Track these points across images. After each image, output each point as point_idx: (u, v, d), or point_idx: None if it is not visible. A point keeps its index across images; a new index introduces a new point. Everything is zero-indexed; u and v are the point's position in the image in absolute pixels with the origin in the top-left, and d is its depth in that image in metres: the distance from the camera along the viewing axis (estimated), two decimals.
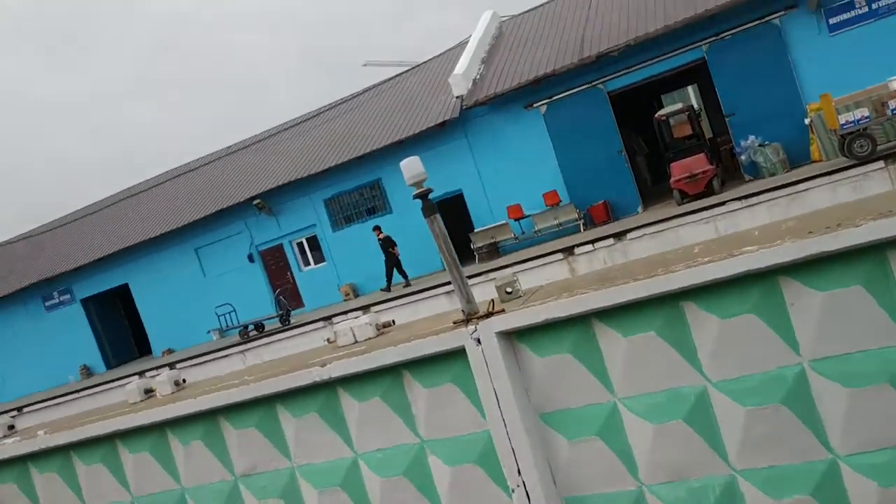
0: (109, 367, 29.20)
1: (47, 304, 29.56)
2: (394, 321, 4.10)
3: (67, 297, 29.22)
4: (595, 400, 3.13)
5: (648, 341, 3.02)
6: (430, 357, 3.37)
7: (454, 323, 3.37)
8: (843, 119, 12.59)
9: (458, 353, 3.31)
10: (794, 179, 13.25)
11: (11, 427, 4.75)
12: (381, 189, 22.05)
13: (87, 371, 29.29)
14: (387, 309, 16.13)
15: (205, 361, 20.23)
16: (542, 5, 23.73)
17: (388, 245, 20.35)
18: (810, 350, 2.82)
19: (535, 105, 18.20)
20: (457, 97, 19.62)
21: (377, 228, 20.87)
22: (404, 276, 20.21)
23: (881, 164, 12.33)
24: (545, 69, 17.63)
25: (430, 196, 3.38)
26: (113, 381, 21.95)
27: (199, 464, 3.93)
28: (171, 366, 17.87)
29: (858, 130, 12.55)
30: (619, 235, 14.59)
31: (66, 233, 32.81)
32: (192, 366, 19.75)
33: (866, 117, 12.49)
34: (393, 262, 20.25)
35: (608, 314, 3.07)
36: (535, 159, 18.46)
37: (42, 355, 30.18)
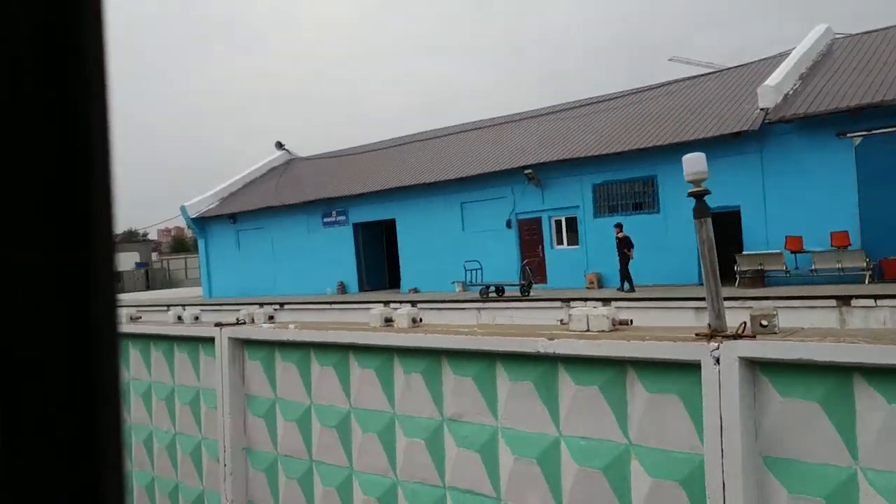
0: (361, 289, 31.75)
1: (325, 220, 32.72)
2: (631, 321, 3.96)
3: (343, 218, 32.11)
4: (833, 461, 2.78)
5: None
6: (661, 362, 3.21)
7: (696, 335, 3.16)
8: None
9: (692, 367, 3.11)
10: None
11: (271, 317, 5.30)
12: (653, 187, 21.37)
13: (343, 288, 32.10)
14: (627, 307, 15.69)
15: (443, 308, 21.18)
16: (888, 28, 21.23)
17: (624, 245, 19.74)
18: None
19: (849, 135, 16.42)
20: (761, 109, 18.28)
21: (618, 226, 20.25)
22: (629, 280, 19.57)
23: None
24: (870, 98, 15.79)
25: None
26: (361, 302, 23.81)
27: (415, 396, 4.13)
28: (413, 304, 18.95)
29: None
30: None
31: (357, 161, 35.82)
32: (430, 309, 20.78)
33: None
34: (625, 263, 19.66)
35: (876, 374, 2.69)
36: (832, 193, 16.72)
37: (310, 264, 33.59)
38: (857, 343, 2.73)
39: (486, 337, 3.82)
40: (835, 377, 2.78)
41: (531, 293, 21.64)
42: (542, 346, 3.53)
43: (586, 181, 23.14)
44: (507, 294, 22.46)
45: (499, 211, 26.35)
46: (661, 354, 3.18)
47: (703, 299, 13.06)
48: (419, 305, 20.39)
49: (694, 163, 3.13)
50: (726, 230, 18.82)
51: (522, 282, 22.04)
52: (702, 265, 3.14)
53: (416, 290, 28.50)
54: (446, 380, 3.99)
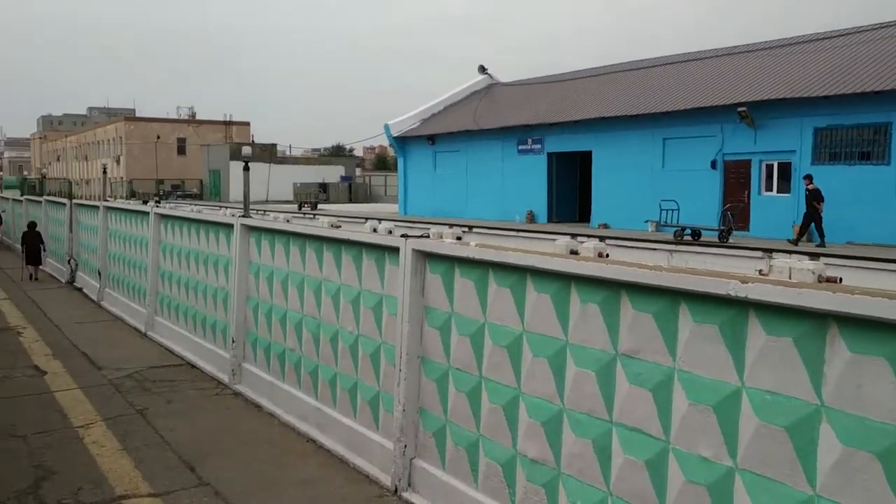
0: (550, 220, 31.63)
1: (520, 147, 32.66)
2: (841, 279, 3.53)
3: (538, 147, 31.87)
4: None
5: None
6: (872, 321, 2.85)
7: None
8: None
9: None
10: None
11: (459, 238, 5.36)
12: (887, 135, 19.14)
13: (532, 217, 32.13)
14: (838, 265, 14.39)
15: (632, 247, 20.60)
16: None
17: (814, 198, 18.33)
18: None
19: None
20: None
21: (808, 178, 18.77)
22: (821, 235, 18.17)
23: None
24: None
25: None
26: (548, 233, 23.72)
27: (589, 326, 4.01)
28: (602, 239, 18.57)
29: None
30: None
31: (557, 89, 35.11)
32: (619, 246, 20.26)
33: None
34: (813, 218, 18.25)
35: None
36: None
37: (501, 191, 33.84)
38: None
39: (671, 273, 3.59)
40: None
41: (730, 240, 20.46)
42: (733, 288, 3.26)
43: (807, 124, 21.19)
44: (703, 239, 21.37)
45: (704, 150, 24.92)
46: (874, 312, 2.82)
47: None
48: (607, 241, 19.94)
49: None
50: None
51: (722, 227, 20.89)
52: None
53: (605, 226, 27.92)
54: (624, 314, 3.83)
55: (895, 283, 13.80)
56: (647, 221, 25.34)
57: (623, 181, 27.79)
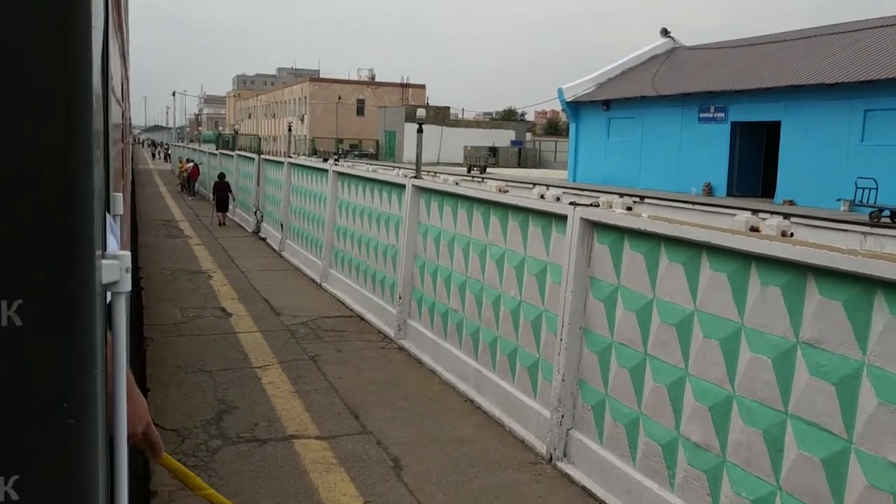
0: (730, 193, 29.96)
1: (702, 115, 31.04)
2: None
3: (721, 115, 30.13)
4: None
5: None
6: None
7: None
8: None
9: None
10: None
11: (629, 208, 5.18)
12: None
13: (710, 190, 30.58)
14: None
15: (820, 227, 19.11)
16: None
17: None
18: None
19: None
20: None
21: None
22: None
23: None
24: None
25: None
26: (727, 207, 22.49)
27: (769, 310, 3.75)
28: (787, 216, 17.36)
29: None
30: None
31: (744, 55, 32.97)
32: (805, 225, 18.88)
33: None
34: None
35: None
36: None
37: (678, 161, 32.41)
38: None
39: (867, 259, 3.27)
40: None
41: None
42: None
43: None
44: None
45: None
46: None
47: None
48: (792, 219, 18.62)
49: None
50: None
51: None
52: None
53: (791, 203, 26.14)
54: (809, 300, 3.54)
55: None
56: (839, 200, 23.37)
57: (814, 155, 25.75)
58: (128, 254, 0.99)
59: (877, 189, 20.74)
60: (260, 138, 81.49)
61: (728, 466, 3.96)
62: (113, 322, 1.01)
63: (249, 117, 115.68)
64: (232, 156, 23.45)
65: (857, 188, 21.18)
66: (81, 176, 0.83)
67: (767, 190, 28.91)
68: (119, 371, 1.00)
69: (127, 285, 0.98)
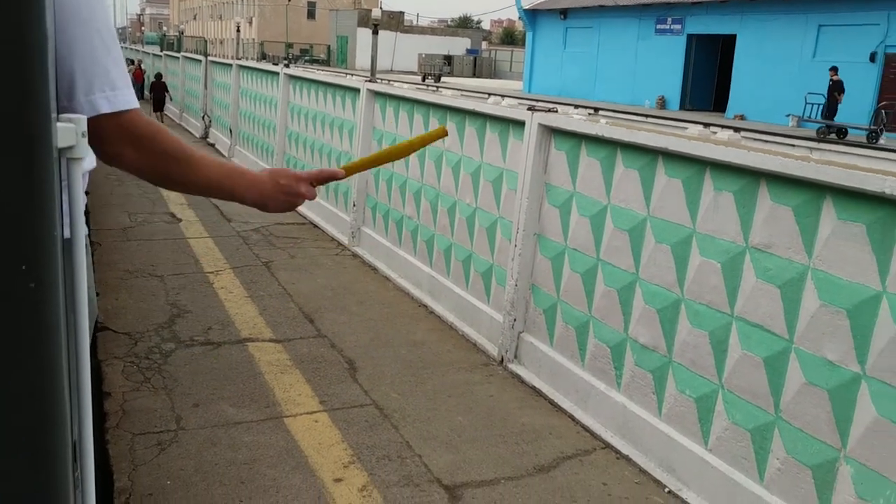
0: (682, 107, 30.11)
1: (658, 27, 30.76)
2: None
3: (678, 27, 29.91)
4: None
5: None
6: None
7: None
8: None
9: None
10: None
11: (591, 112, 5.14)
12: None
13: (663, 103, 30.67)
14: None
15: (769, 141, 19.41)
16: None
17: (836, 88, 19.44)
18: None
19: None
20: None
21: (833, 69, 19.62)
22: (830, 129, 19.21)
23: None
24: None
25: None
26: (679, 120, 22.64)
27: (721, 216, 3.82)
28: (737, 130, 17.55)
29: None
30: None
31: None
32: (754, 139, 19.14)
33: None
34: (832, 108, 19.57)
35: None
36: None
37: (633, 73, 32.26)
38: None
39: (818, 166, 3.32)
40: None
41: (881, 141, 18.98)
42: (889, 186, 2.99)
43: None
44: (849, 138, 19.92)
45: (863, 41, 22.77)
46: None
47: None
48: (742, 133, 18.90)
49: None
50: None
51: (873, 126, 19.35)
52: None
53: (742, 117, 26.40)
54: (761, 205, 3.61)
55: None
56: (788, 115, 23.69)
57: (767, 70, 25.88)
58: (83, 117, 0.93)
59: (825, 105, 21.02)
60: (206, 41, 78.35)
61: (674, 366, 4.11)
62: (70, 190, 0.96)
63: (195, 18, 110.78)
64: (178, 58, 22.54)
65: (806, 104, 21.46)
66: (31, 32, 0.76)
67: (720, 104, 29.12)
68: (77, 239, 0.95)
69: (84, 151, 0.93)
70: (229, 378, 4.91)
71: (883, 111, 19.42)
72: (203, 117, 17.62)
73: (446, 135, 2.12)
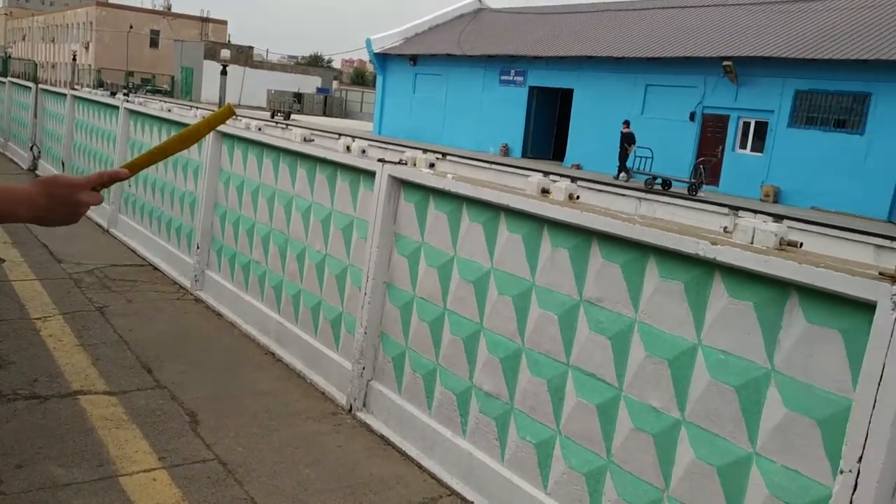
0: (524, 155, 31.53)
1: (502, 78, 32.22)
2: (801, 244, 3.60)
3: (520, 79, 31.47)
4: None
5: None
6: (829, 294, 2.94)
7: (880, 274, 2.85)
8: None
9: (864, 307, 2.82)
10: None
11: (432, 164, 5.32)
12: (864, 105, 19.28)
13: (506, 150, 31.98)
14: (801, 229, 14.69)
15: (603, 191, 20.71)
16: None
17: (626, 140, 23.11)
18: None
19: None
20: None
21: (626, 123, 23.16)
22: (621, 170, 22.02)
23: None
24: None
25: None
26: (522, 168, 23.70)
27: (557, 271, 4.07)
28: (574, 179, 18.61)
29: None
30: None
31: (547, 22, 34.50)
32: (590, 189, 20.35)
33: None
34: (623, 156, 22.14)
35: None
36: None
37: (479, 120, 33.49)
38: None
39: (643, 227, 3.64)
40: None
41: (699, 193, 20.69)
42: (703, 249, 3.33)
43: (789, 85, 21.23)
44: (672, 189, 21.56)
45: (685, 101, 24.90)
46: (833, 286, 2.91)
47: (888, 237, 12.03)
48: (579, 182, 20.04)
49: None
50: None
51: (693, 180, 21.09)
52: None
53: (579, 167, 27.94)
54: (593, 262, 3.89)
55: (853, 251, 14.14)
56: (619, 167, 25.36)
57: (601, 124, 27.67)
58: None
59: (652, 158, 22.77)
60: (36, 64, 73.38)
61: (515, 413, 4.29)
62: None
63: (24, 39, 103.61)
64: (3, 82, 20.99)
65: (635, 157, 23.12)
66: None
67: (558, 153, 30.76)
68: None
69: None
70: (57, 435, 4.59)
71: (701, 166, 21.28)
72: (31, 148, 16.46)
73: (234, 114, 2.10)
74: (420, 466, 4.76)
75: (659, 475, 3.54)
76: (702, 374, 3.39)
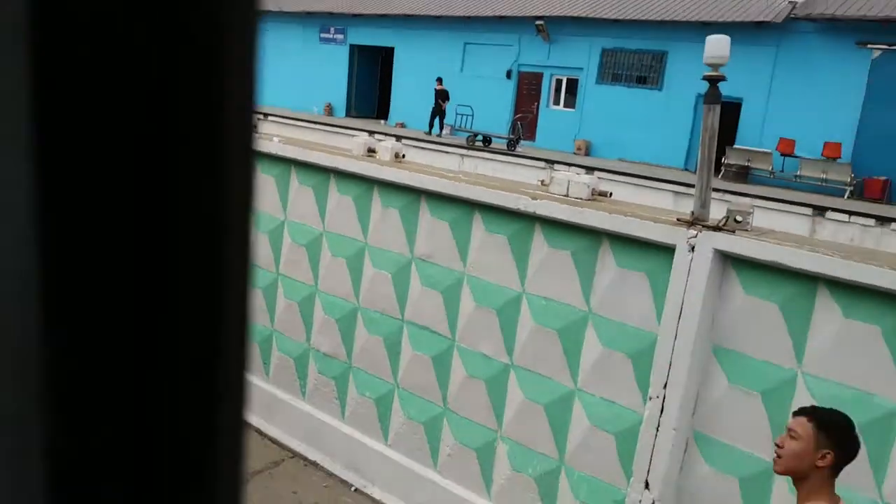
0: (348, 114, 31.24)
1: (322, 36, 31.56)
2: (611, 193, 3.92)
3: (341, 37, 30.99)
4: (778, 361, 2.90)
5: (868, 333, 2.71)
6: (636, 240, 3.24)
7: (677, 220, 3.18)
8: None
9: (665, 250, 3.15)
10: None
11: (260, 118, 5.18)
12: (662, 63, 20.83)
13: (330, 110, 31.53)
14: (609, 180, 15.71)
15: (427, 148, 21.04)
16: None
17: (440, 97, 22.36)
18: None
19: (869, 46, 15.98)
20: (789, 2, 17.63)
21: (439, 80, 22.93)
22: (432, 126, 22.29)
23: None
24: None
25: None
26: (346, 127, 23.51)
27: (388, 229, 4.15)
28: (398, 138, 18.76)
29: None
30: (883, 220, 13.01)
31: None
32: (414, 147, 20.60)
33: None
34: (437, 112, 22.43)
35: (840, 288, 2.76)
36: (836, 103, 16.49)
37: (301, 80, 32.72)
38: (830, 255, 2.77)
39: (469, 185, 3.80)
40: (800, 283, 2.84)
41: (518, 149, 21.55)
42: (523, 203, 3.54)
43: (596, 44, 22.45)
44: (493, 146, 22.30)
45: (502, 59, 25.62)
46: (639, 232, 3.21)
47: (685, 185, 13.09)
48: (403, 141, 20.18)
49: (716, 45, 3.01)
50: (723, 122, 18.66)
51: (511, 136, 21.87)
52: (699, 152, 3.10)
53: (403, 125, 28.10)
54: (422, 220, 4.00)
55: (655, 199, 15.35)
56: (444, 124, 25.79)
57: (423, 82, 27.91)
58: None
59: (473, 116, 23.37)
60: None
61: (354, 371, 4.37)
62: None
63: None
64: None
65: (457, 114, 23.62)
66: None
67: (382, 112, 30.75)
68: None
69: None
70: None
71: (518, 122, 22.14)
72: None
73: None
74: (260, 432, 4.74)
75: (492, 417, 3.76)
76: (527, 320, 3.62)
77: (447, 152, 20.97)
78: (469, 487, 3.84)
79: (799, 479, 1.97)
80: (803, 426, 1.97)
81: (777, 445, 1.98)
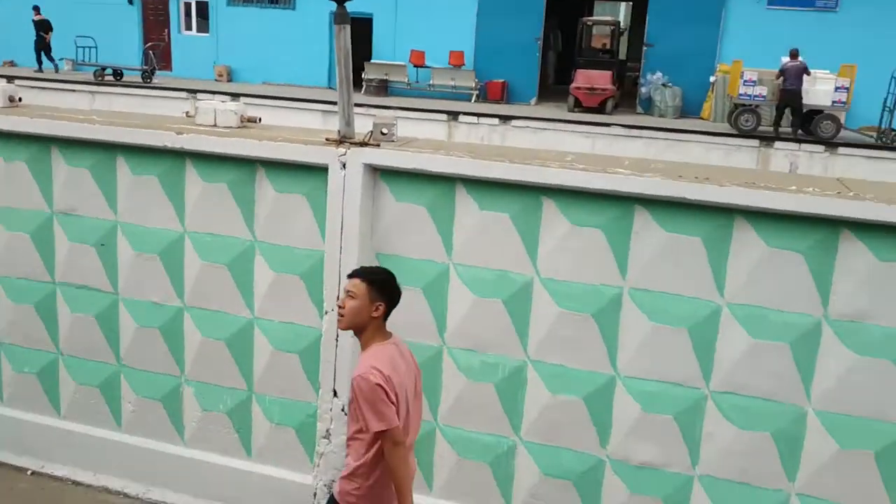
0: None
1: None
2: (260, 119, 3.90)
3: None
4: (432, 257, 3.22)
5: (499, 220, 3.12)
6: (290, 164, 3.31)
7: (326, 140, 3.30)
8: (742, 90, 13.13)
9: (320, 171, 3.26)
10: (679, 127, 13.79)
11: None
12: None
13: None
14: (257, 105, 15.49)
15: (48, 88, 18.70)
16: None
17: (41, 28, 21.00)
18: (635, 278, 3.03)
19: None
20: None
21: (36, 9, 22.78)
22: (44, 61, 21.10)
23: (756, 143, 13.06)
24: None
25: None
26: None
27: (19, 186, 3.71)
28: (10, 79, 16.38)
29: (751, 106, 13.15)
30: (505, 119, 14.67)
31: None
32: (33, 87, 18.20)
33: (762, 96, 13.08)
34: (42, 46, 21.12)
35: (474, 185, 3.13)
36: (456, 15, 17.90)
37: None
38: (463, 157, 3.11)
39: (105, 126, 3.53)
40: (441, 185, 3.17)
41: (154, 80, 20.15)
42: (169, 140, 3.39)
43: None
44: (126, 79, 20.60)
45: None
46: (291, 156, 3.28)
47: (331, 103, 13.51)
48: (17, 82, 17.72)
49: None
50: (358, 38, 19.23)
51: (145, 67, 20.35)
52: (337, 72, 3.22)
53: (12, 63, 24.64)
54: (57, 170, 3.65)
55: (305, 119, 15.50)
56: (62, 59, 23.05)
57: (23, 11, 24.45)
58: None
59: (96, 47, 21.17)
60: None
61: (4, 348, 3.92)
62: None
63: None
64: None
65: (77, 47, 21.22)
66: None
67: None
68: None
69: None
70: None
71: (150, 52, 20.59)
72: None
73: None
74: None
75: (172, 362, 3.66)
76: (193, 259, 3.54)
77: (73, 90, 18.88)
78: (160, 438, 3.74)
79: (359, 331, 2.42)
80: (357, 286, 2.37)
81: (339, 306, 2.35)
